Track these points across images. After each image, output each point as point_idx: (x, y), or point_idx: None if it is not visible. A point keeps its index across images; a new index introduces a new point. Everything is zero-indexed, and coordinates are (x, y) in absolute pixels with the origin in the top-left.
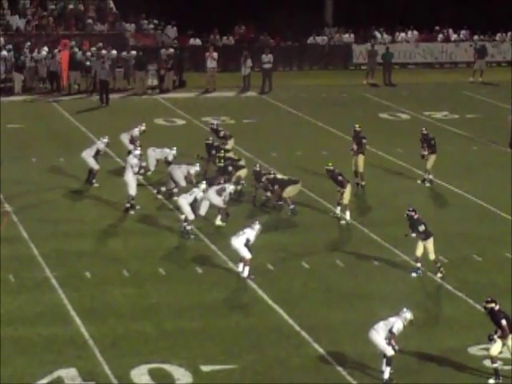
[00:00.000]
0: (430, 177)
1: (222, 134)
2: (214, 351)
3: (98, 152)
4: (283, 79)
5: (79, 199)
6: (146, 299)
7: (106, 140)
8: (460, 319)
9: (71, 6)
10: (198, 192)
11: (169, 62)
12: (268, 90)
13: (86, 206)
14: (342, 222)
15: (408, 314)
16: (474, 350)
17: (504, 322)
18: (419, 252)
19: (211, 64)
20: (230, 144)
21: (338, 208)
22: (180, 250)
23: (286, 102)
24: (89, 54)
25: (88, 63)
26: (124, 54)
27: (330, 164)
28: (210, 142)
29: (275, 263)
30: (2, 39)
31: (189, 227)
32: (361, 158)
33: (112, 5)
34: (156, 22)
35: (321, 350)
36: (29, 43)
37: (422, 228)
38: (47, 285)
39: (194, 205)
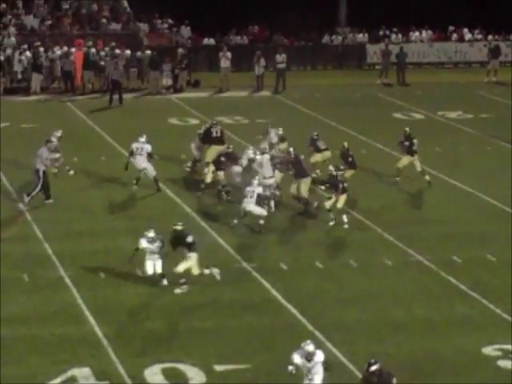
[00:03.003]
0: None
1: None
2: (227, 351)
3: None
4: (297, 79)
5: (93, 198)
6: (159, 299)
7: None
8: (474, 319)
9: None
10: (256, 189)
11: (183, 62)
12: (281, 89)
13: (100, 205)
14: (345, 226)
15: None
16: (488, 350)
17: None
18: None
19: (225, 64)
20: (283, 146)
21: (331, 214)
22: None
23: (300, 102)
24: (103, 53)
25: (102, 63)
26: (138, 53)
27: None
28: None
29: (288, 263)
30: (14, 39)
31: (261, 222)
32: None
33: (126, 4)
34: (170, 21)
35: (334, 350)
36: (39, 43)
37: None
38: (61, 284)
39: (259, 201)
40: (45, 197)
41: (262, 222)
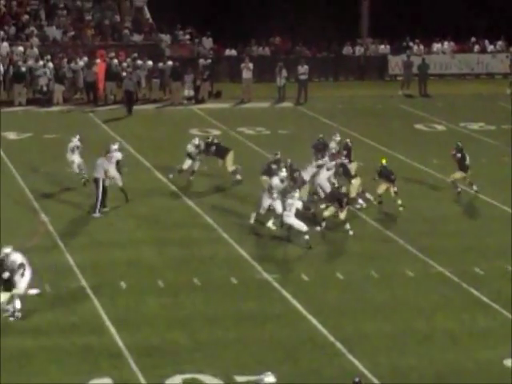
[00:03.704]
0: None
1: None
2: (248, 361)
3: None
4: (319, 90)
5: (114, 209)
6: (181, 309)
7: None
8: (495, 331)
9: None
10: (295, 203)
11: (204, 73)
12: (303, 100)
13: (122, 215)
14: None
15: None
16: (510, 362)
17: None
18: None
19: (247, 75)
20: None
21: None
22: (214, 261)
23: (322, 113)
24: (125, 64)
25: (124, 74)
26: (160, 64)
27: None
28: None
29: (310, 274)
30: (36, 49)
31: (306, 237)
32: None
33: (148, 15)
34: (192, 32)
35: (355, 361)
36: (61, 54)
37: None
38: (82, 294)
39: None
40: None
41: (306, 237)
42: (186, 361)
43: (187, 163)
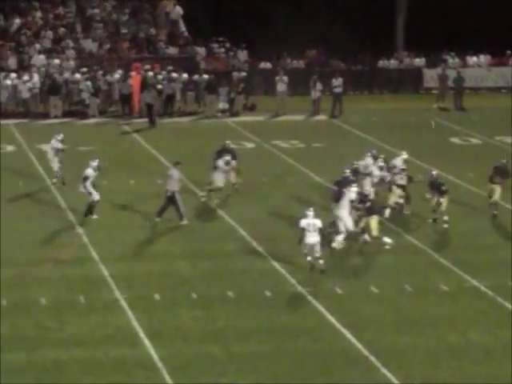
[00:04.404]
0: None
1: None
2: (281, 374)
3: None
4: (353, 103)
5: (149, 221)
6: (214, 322)
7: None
8: None
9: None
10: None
11: (239, 86)
12: (338, 113)
13: (156, 228)
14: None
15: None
16: None
17: None
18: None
19: (281, 88)
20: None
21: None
22: (248, 273)
23: (356, 126)
24: (160, 77)
25: (159, 86)
26: (195, 77)
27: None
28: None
29: (343, 287)
30: (73, 62)
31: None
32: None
33: (183, 28)
34: (227, 45)
35: (389, 375)
36: (97, 67)
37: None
38: (116, 306)
39: None
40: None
41: (340, 237)
42: (219, 373)
43: (220, 179)
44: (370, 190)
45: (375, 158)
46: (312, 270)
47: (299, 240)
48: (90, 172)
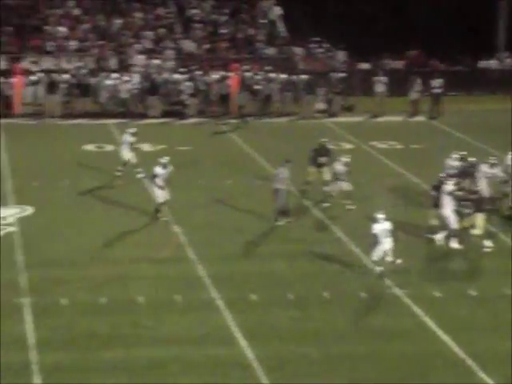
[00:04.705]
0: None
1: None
2: (377, 376)
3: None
4: (453, 104)
5: (247, 221)
6: (310, 322)
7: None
8: None
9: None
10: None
11: (337, 86)
12: (437, 114)
13: (255, 228)
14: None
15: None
16: None
17: None
18: None
19: (380, 88)
20: None
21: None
22: (343, 275)
23: (456, 128)
24: (258, 77)
25: (257, 86)
26: (293, 77)
27: None
28: None
29: (442, 290)
30: (172, 63)
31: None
32: None
33: (282, 28)
34: (326, 45)
35: (487, 379)
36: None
37: None
38: (213, 306)
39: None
40: (279, 216)
41: (439, 236)
42: (315, 374)
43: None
44: (483, 187)
45: (462, 160)
46: (381, 278)
47: (370, 245)
48: (158, 170)
